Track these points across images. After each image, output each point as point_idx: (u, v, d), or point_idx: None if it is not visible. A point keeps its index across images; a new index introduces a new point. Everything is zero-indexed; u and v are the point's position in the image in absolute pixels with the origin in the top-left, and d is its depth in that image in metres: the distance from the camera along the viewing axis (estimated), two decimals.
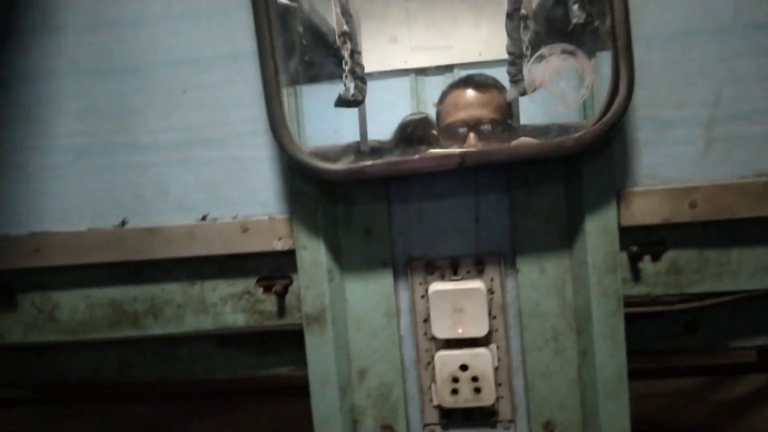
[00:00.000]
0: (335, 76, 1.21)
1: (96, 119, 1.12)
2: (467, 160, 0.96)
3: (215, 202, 1.12)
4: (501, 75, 1.37)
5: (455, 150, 0.97)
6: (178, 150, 1.11)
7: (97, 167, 1.13)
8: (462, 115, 1.23)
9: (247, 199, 1.11)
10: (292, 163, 1.03)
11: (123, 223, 1.14)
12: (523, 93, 1.22)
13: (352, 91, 1.24)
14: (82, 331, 1.20)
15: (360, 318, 1.13)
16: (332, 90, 1.21)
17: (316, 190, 1.07)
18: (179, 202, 1.13)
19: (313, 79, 1.22)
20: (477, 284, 1.09)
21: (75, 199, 1.14)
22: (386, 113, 1.45)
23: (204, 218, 1.12)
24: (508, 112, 1.26)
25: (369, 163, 0.99)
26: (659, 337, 1.15)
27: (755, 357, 2.67)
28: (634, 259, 1.07)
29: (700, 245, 1.06)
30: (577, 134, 0.94)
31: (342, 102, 1.23)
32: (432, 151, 0.99)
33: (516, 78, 1.20)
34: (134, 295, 1.18)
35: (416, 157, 0.98)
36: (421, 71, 1.67)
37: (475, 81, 1.28)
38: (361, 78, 1.23)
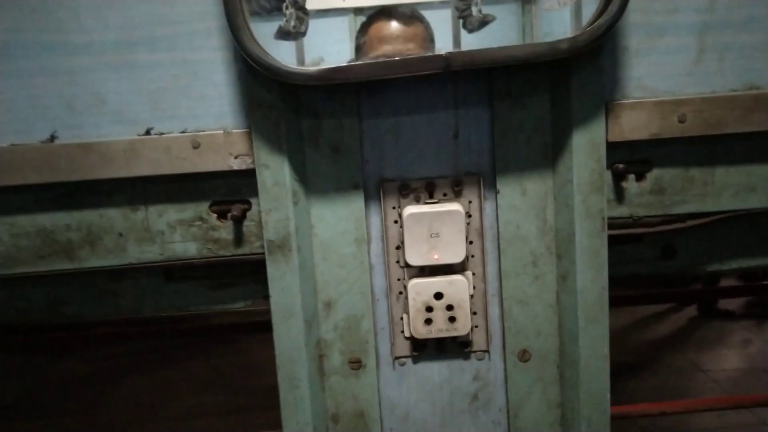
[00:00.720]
0: (266, 10, 1.08)
1: (16, 14, 0.94)
2: (452, 63, 0.86)
3: (161, 114, 0.98)
4: (443, 16, 1.29)
5: (440, 52, 0.87)
6: (117, 52, 0.96)
7: (20, 72, 0.96)
8: (387, 48, 1.14)
9: (198, 111, 0.98)
10: (253, 66, 0.90)
11: (52, 138, 0.99)
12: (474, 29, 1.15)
13: (293, 22, 1.12)
14: (7, 264, 1.05)
15: (327, 245, 1.04)
16: (266, 27, 1.08)
17: (279, 101, 0.95)
18: (118, 113, 0.98)
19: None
20: (455, 207, 1.01)
21: None
22: (323, 54, 1.33)
23: (148, 132, 0.99)
24: (432, 47, 1.19)
25: (345, 64, 0.88)
26: (636, 262, 1.12)
27: None
28: (619, 179, 1.02)
29: (686, 163, 1.02)
30: (572, 35, 0.87)
31: (283, 34, 1.11)
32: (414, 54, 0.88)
33: (464, 14, 1.12)
34: (67, 222, 1.04)
35: (397, 58, 0.87)
36: (360, 10, 1.56)
37: (399, 13, 1.20)
38: (302, 8, 1.11)
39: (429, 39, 1.19)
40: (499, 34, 1.34)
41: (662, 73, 0.98)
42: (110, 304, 1.13)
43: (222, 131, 0.98)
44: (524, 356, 1.07)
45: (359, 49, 1.22)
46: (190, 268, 1.11)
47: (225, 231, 1.04)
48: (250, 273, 1.11)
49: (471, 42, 1.25)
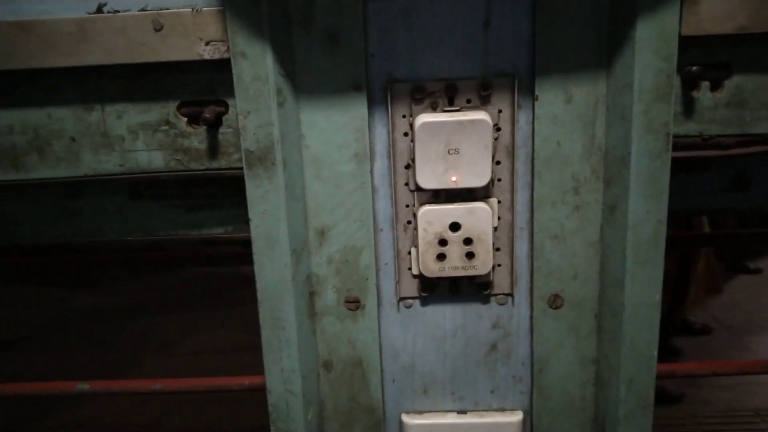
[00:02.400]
0: None
1: None
2: None
3: None
4: None
5: None
6: None
7: None
8: None
9: None
10: None
11: None
12: None
13: None
14: None
15: (321, 160, 0.85)
16: None
17: None
18: None
19: None
20: (481, 116, 0.81)
21: None
22: None
23: (99, 9, 0.79)
24: None
25: None
26: (698, 195, 0.92)
27: None
28: (689, 87, 0.81)
29: None
30: None
31: None
32: None
33: None
34: (9, 122, 0.86)
35: None
36: None
37: None
38: None
39: None
40: None
41: None
42: (68, 224, 0.97)
43: (190, 9, 0.78)
44: (555, 302, 0.89)
45: None
46: (159, 184, 0.94)
47: (197, 139, 0.85)
48: (230, 193, 0.93)
49: None
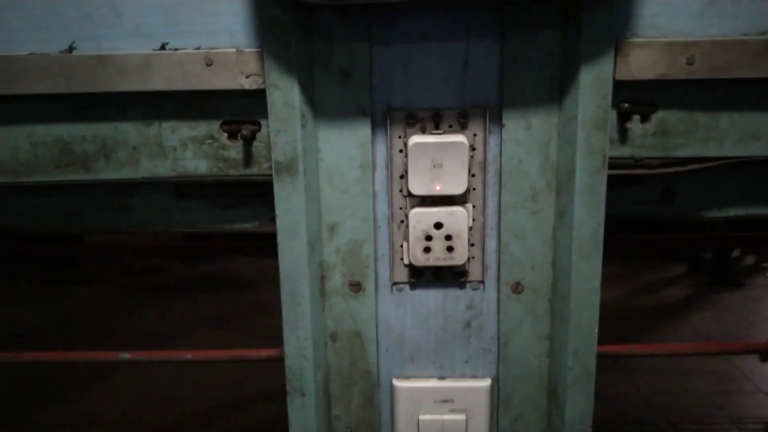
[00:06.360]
0: None
1: None
2: None
3: (175, 29, 1.00)
4: None
5: None
6: None
7: None
8: None
9: (211, 27, 0.99)
10: None
11: (70, 48, 1.01)
12: None
13: None
14: (26, 172, 1.09)
15: (333, 170, 1.06)
16: None
17: (292, 20, 0.96)
18: (134, 26, 1.00)
19: None
20: (460, 138, 1.03)
21: (13, 17, 1.00)
22: None
23: (163, 47, 1.01)
24: None
25: None
26: (634, 204, 1.14)
27: None
28: (624, 119, 1.03)
29: (691, 106, 1.03)
30: None
31: None
32: None
33: None
34: (83, 133, 1.07)
35: None
36: None
37: None
38: None
39: None
40: None
41: (675, 13, 0.97)
42: (122, 217, 1.18)
43: (234, 49, 0.99)
44: (517, 288, 1.10)
45: None
46: (200, 187, 1.15)
47: (235, 150, 1.07)
48: (258, 195, 1.14)
49: None
